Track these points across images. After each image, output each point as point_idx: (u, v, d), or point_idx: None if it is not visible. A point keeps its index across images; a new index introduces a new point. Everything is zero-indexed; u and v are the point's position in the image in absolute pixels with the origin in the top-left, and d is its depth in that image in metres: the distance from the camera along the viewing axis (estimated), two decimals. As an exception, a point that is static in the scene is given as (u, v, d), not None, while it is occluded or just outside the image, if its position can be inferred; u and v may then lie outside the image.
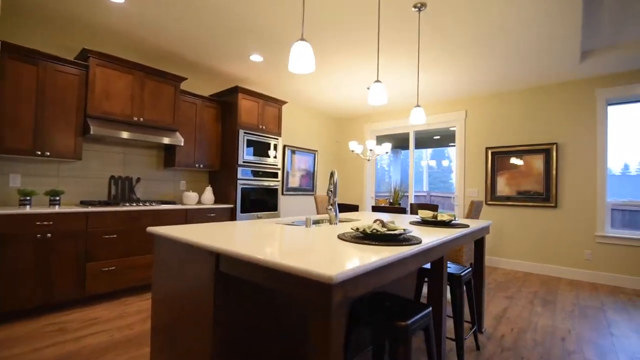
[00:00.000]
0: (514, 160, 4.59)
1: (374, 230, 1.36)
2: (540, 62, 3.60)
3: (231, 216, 3.95)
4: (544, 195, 4.32)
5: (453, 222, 2.16)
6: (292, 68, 1.56)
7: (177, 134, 3.59)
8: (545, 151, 4.33)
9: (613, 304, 3.17)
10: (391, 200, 5.28)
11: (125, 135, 3.10)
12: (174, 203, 3.56)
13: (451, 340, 2.09)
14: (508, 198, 4.61)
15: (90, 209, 2.81)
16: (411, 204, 4.34)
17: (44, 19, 2.91)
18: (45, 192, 2.86)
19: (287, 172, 5.56)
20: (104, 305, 2.81)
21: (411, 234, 1.40)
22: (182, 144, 3.57)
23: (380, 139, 6.25)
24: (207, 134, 4.03)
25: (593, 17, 2.90)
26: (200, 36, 3.20)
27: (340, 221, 2.26)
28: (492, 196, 4.73)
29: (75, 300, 2.78)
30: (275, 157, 4.42)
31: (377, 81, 2.06)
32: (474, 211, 3.54)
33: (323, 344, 0.88)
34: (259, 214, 4.22)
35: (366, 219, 2.44)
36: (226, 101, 4.15)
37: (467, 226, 2.05)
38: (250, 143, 4.08)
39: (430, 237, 1.53)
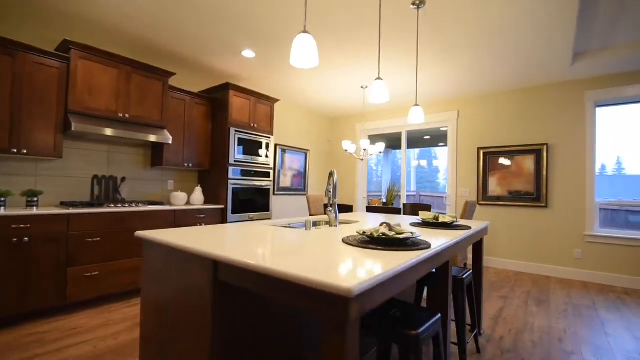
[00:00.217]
0: (505, 161, 4.62)
1: (382, 235, 1.29)
2: (534, 63, 3.62)
3: (222, 217, 3.82)
4: (535, 195, 4.37)
5: (454, 223, 2.12)
6: (294, 62, 1.47)
7: (165, 131, 3.43)
8: (536, 152, 4.38)
9: (604, 302, 3.22)
10: (385, 201, 5.25)
11: (109, 132, 2.94)
12: (161, 204, 3.40)
13: (453, 344, 2.05)
14: (499, 198, 4.64)
15: (71, 210, 2.64)
16: (404, 204, 4.31)
17: (22, 6, 2.71)
18: (22, 192, 2.67)
19: (279, 172, 5.46)
20: (87, 313, 2.65)
21: (420, 237, 1.34)
22: (170, 142, 3.42)
23: (372, 139, 6.21)
24: (197, 131, 3.89)
25: (586, 19, 2.92)
26: (190, 29, 3.06)
27: (339, 223, 2.18)
28: (484, 196, 4.76)
29: (55, 308, 2.61)
30: (267, 156, 4.31)
31: (379, 78, 1.99)
32: (468, 211, 3.52)
33: (338, 361, 0.80)
34: (251, 214, 4.10)
35: (366, 221, 2.38)
36: (217, 98, 4.01)
37: (469, 228, 2.01)
38: (241, 142, 3.96)
39: (437, 240, 1.47)
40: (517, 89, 4.53)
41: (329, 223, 2.28)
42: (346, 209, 3.90)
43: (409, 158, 8.49)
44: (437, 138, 7.16)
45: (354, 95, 5.03)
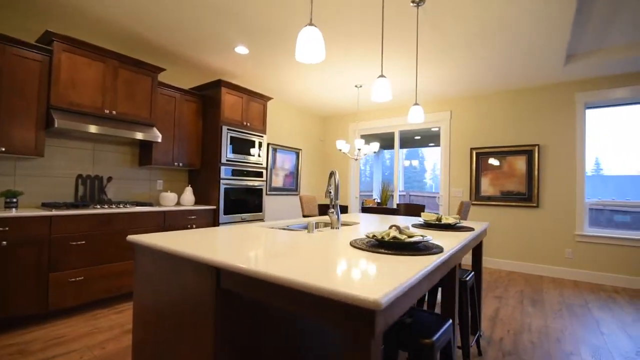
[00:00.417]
0: (497, 161, 4.66)
1: (394, 238, 1.23)
2: (527, 63, 3.64)
3: (213, 218, 3.71)
4: (526, 196, 4.42)
5: (457, 224, 2.08)
6: (300, 57, 1.40)
7: (154, 129, 3.29)
8: (527, 152, 4.43)
9: (596, 301, 3.27)
10: (379, 201, 5.22)
11: (94, 129, 2.79)
12: (150, 204, 3.26)
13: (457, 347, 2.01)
14: (491, 198, 4.68)
15: (54, 212, 2.49)
16: (398, 204, 4.28)
17: (-2, -6, 2.54)
18: (0, 193, 2.50)
19: (270, 171, 5.36)
20: (71, 321, 2.50)
21: (431, 240, 1.29)
22: (160, 140, 3.28)
23: (364, 139, 6.17)
24: (187, 129, 3.75)
25: (580, 21, 2.95)
26: (181, 23, 2.94)
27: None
28: (477, 196, 4.79)
29: (36, 316, 2.46)
30: (259, 155, 4.21)
31: (382, 76, 1.93)
32: (463, 211, 3.52)
33: (361, 379, 0.74)
34: (243, 215, 3.99)
35: (367, 222, 2.32)
36: (208, 95, 3.88)
37: (472, 229, 1.98)
38: (233, 140, 3.85)
39: (446, 243, 1.42)
40: (509, 89, 4.57)
41: (329, 225, 2.21)
42: (341, 209, 3.84)
43: (400, 158, 8.53)
44: (428, 138, 7.19)
45: (347, 94, 4.98)
